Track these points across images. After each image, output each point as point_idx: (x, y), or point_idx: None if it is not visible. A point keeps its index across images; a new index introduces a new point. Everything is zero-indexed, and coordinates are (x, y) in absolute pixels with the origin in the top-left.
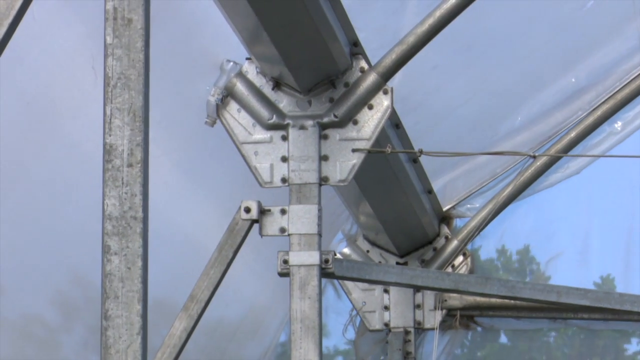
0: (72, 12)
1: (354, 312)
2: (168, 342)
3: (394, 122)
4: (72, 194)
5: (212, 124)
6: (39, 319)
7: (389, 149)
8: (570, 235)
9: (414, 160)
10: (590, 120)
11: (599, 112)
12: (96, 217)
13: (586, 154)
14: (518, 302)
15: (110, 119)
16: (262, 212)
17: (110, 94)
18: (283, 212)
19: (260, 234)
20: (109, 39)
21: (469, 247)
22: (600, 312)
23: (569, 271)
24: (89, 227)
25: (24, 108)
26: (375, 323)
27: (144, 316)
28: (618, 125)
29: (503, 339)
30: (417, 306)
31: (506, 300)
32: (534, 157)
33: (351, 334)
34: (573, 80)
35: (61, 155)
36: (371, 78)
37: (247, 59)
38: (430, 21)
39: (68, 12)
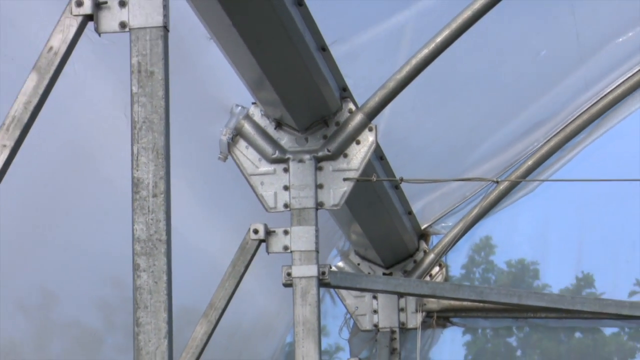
0: (106, 66)
1: (348, 316)
2: (191, 344)
3: (378, 154)
4: (109, 221)
5: (225, 159)
6: (84, 324)
7: (374, 178)
8: (529, 245)
9: (396, 186)
10: (545, 150)
11: (551, 143)
12: (128, 239)
13: (539, 179)
14: (486, 305)
15: (137, 157)
16: (268, 233)
17: (137, 135)
18: (286, 232)
19: (267, 251)
20: (134, 89)
21: (443, 259)
22: (555, 311)
23: (529, 276)
24: (124, 249)
25: (68, 149)
26: (366, 324)
27: (170, 322)
28: (567, 154)
29: (473, 335)
30: (401, 309)
31: (476, 303)
32: (497, 182)
33: (346, 334)
34: (530, 116)
35: (99, 189)
36: (358, 118)
37: (252, 103)
38: (408, 68)
39: (103, 66)
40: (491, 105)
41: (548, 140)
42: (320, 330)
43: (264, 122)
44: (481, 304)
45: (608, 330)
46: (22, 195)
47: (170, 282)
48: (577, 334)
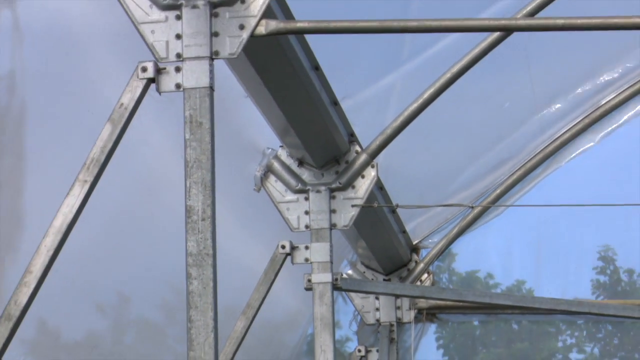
0: (165, 118)
1: (356, 312)
2: (232, 335)
3: (379, 185)
4: (169, 239)
5: (258, 190)
6: (150, 320)
7: (375, 204)
8: (498, 255)
9: (393, 211)
10: (510, 181)
11: (515, 176)
12: (183, 254)
13: (505, 204)
14: (465, 304)
15: (189, 189)
16: (293, 248)
17: (189, 172)
18: (307, 247)
19: (292, 262)
20: (187, 136)
21: (430, 267)
22: (519, 309)
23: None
24: (180, 261)
25: (137, 183)
26: (370, 319)
27: (215, 319)
28: (527, 184)
29: (455, 328)
30: (398, 308)
31: (457, 302)
32: (472, 207)
33: (354, 327)
34: (497, 154)
35: (161, 214)
36: (362, 157)
37: (280, 146)
38: (401, 118)
39: (163, 118)
40: (466, 146)
41: (512, 174)
42: (334, 325)
43: (289, 161)
44: (460, 303)
45: (561, 323)
46: (102, 219)
47: (215, 287)
48: (535, 326)
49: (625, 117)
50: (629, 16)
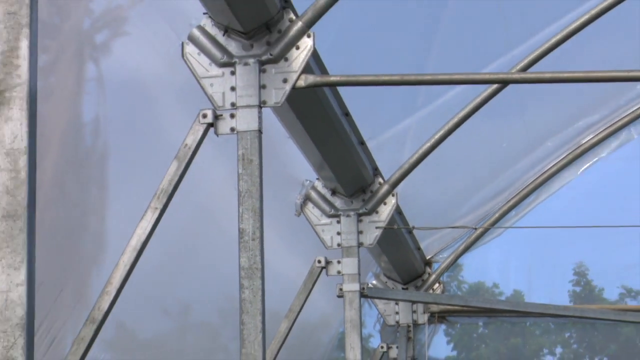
0: (222, 156)
1: (379, 315)
2: (277, 336)
3: (398, 211)
4: (224, 256)
5: (299, 215)
6: (208, 323)
7: (395, 226)
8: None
9: (410, 231)
10: (507, 206)
11: (510, 203)
12: (236, 268)
13: (504, 227)
14: (470, 308)
15: (242, 215)
16: (327, 262)
17: (241, 201)
18: (339, 262)
19: (327, 274)
20: (240, 170)
21: (441, 278)
22: (515, 313)
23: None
24: (237, 274)
25: (199, 210)
26: (391, 321)
27: (263, 322)
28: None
29: (461, 328)
30: (414, 311)
31: (463, 307)
32: (475, 228)
33: (378, 327)
34: (497, 185)
35: (219, 235)
36: (385, 187)
37: (316, 178)
38: (416, 155)
39: (220, 156)
40: (471, 178)
41: (508, 201)
42: (361, 325)
43: (324, 191)
44: (466, 308)
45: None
46: (170, 239)
47: (263, 295)
48: (528, 324)
49: (603, 154)
50: (607, 70)
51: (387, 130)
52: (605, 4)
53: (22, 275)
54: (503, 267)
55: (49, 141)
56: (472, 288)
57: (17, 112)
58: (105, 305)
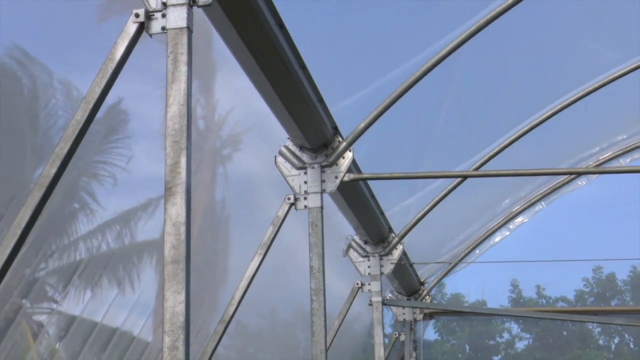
0: (301, 223)
1: (393, 315)
2: (332, 328)
3: (404, 253)
4: (299, 281)
5: (344, 256)
6: (289, 323)
7: (403, 262)
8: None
9: (411, 265)
10: (469, 249)
11: (471, 247)
12: (308, 288)
13: (467, 262)
14: (448, 310)
15: (311, 257)
16: (362, 284)
17: (311, 248)
18: (369, 284)
19: (362, 291)
20: (310, 231)
21: (431, 293)
22: (475, 314)
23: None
24: (306, 292)
25: (285, 253)
26: (401, 318)
27: (325, 323)
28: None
29: (444, 323)
30: (414, 313)
31: (444, 310)
32: (450, 263)
33: (392, 322)
34: (472, 231)
35: (296, 268)
36: (399, 244)
37: (355, 234)
38: (416, 218)
39: (300, 223)
40: (447, 232)
41: (469, 246)
42: (383, 322)
43: (360, 242)
44: (445, 310)
45: (497, 320)
46: (268, 269)
47: (325, 305)
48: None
49: (526, 220)
50: (531, 169)
51: (398, 205)
52: (533, 123)
53: (182, 297)
54: (468, 285)
55: (195, 214)
56: (452, 297)
57: (179, 199)
58: (230, 312)
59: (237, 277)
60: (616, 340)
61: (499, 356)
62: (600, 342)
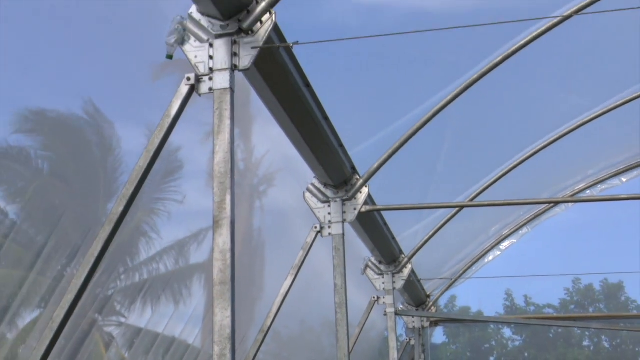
0: (327, 251)
1: (405, 323)
2: (353, 335)
3: (413, 271)
4: (324, 298)
5: (362, 274)
6: (315, 331)
7: (411, 278)
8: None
9: (418, 281)
10: (467, 266)
11: (470, 264)
12: (332, 304)
13: (465, 277)
14: (450, 318)
15: (335, 276)
16: (378, 297)
17: (334, 268)
18: (384, 297)
19: (377, 304)
20: (334, 254)
21: (437, 303)
22: (474, 321)
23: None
24: (331, 307)
25: (314, 274)
26: (411, 326)
27: (347, 331)
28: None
29: (449, 329)
30: (422, 321)
31: (446, 318)
32: (451, 279)
33: (404, 329)
34: (468, 253)
35: (323, 289)
36: (407, 266)
37: (371, 256)
38: (422, 241)
39: (327, 251)
40: (449, 251)
41: (467, 263)
42: (396, 329)
43: (376, 262)
44: (448, 318)
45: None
46: (298, 287)
47: (347, 316)
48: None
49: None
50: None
51: (407, 230)
52: (518, 161)
53: (228, 312)
54: (470, 295)
55: (237, 240)
56: (460, 309)
57: (225, 230)
58: (268, 323)
59: (272, 294)
60: (595, 340)
61: (493, 356)
62: (582, 342)
